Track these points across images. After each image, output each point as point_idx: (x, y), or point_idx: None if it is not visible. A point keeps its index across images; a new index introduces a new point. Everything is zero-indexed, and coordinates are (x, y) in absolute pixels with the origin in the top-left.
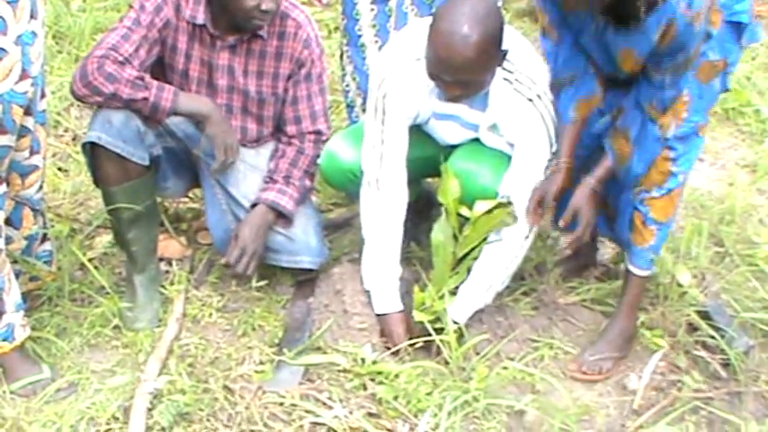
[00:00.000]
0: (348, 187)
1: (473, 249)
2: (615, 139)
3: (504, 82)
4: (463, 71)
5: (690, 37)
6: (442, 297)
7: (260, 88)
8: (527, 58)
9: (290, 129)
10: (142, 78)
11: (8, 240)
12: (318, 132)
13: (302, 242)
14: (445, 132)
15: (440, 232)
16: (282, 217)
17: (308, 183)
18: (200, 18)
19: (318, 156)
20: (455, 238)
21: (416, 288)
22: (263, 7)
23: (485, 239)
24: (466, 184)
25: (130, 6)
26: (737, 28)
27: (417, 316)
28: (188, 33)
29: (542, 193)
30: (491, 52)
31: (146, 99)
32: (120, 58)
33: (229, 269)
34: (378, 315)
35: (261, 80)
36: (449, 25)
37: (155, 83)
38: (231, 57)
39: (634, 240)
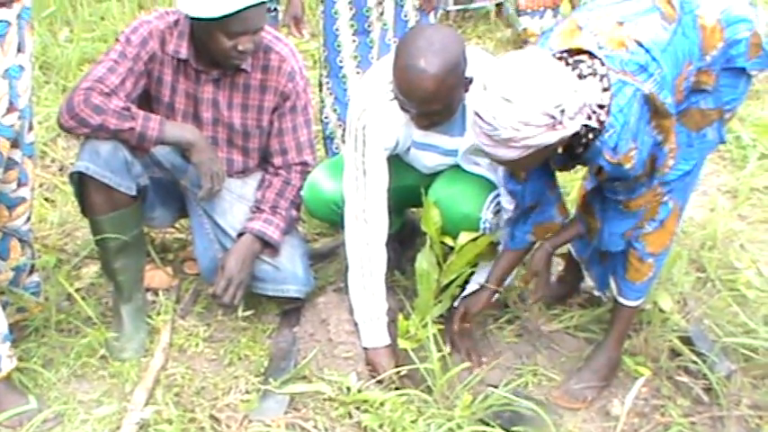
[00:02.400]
0: (331, 218)
1: (457, 278)
2: (583, 211)
3: None
4: (425, 103)
5: (622, 173)
6: (425, 325)
7: (245, 121)
8: None
9: (277, 160)
10: (128, 109)
11: None
12: (304, 163)
13: (288, 271)
14: (427, 160)
15: (424, 261)
16: (269, 246)
17: (294, 213)
18: (184, 53)
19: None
20: (439, 266)
21: (401, 316)
22: (240, 48)
23: (469, 267)
24: (448, 212)
25: (117, 39)
26: (737, 72)
27: (402, 344)
28: (173, 67)
29: (465, 309)
30: (450, 82)
31: (132, 129)
32: (107, 90)
33: (216, 299)
34: (364, 348)
35: (246, 113)
36: (406, 60)
37: (141, 113)
38: (215, 90)
39: (630, 277)
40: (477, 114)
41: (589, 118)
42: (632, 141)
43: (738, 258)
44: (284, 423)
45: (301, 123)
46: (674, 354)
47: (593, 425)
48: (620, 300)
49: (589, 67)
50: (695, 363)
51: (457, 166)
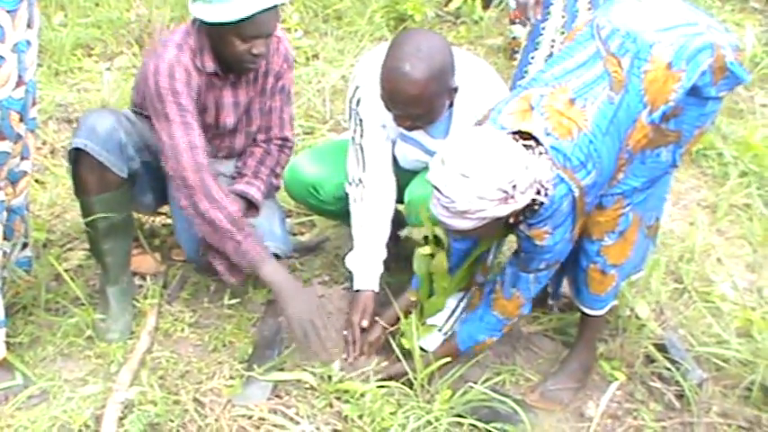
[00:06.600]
0: (308, 200)
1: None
2: None
3: (471, 116)
4: (406, 105)
5: (534, 248)
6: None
7: (255, 109)
8: (495, 95)
9: (260, 136)
10: (239, 219)
11: None
12: (285, 138)
13: (266, 229)
14: (409, 154)
15: (421, 265)
16: (251, 208)
17: (274, 180)
18: (211, 66)
19: (284, 159)
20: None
21: (402, 316)
22: (254, 51)
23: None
24: (419, 211)
25: (159, 93)
26: (702, 100)
27: (407, 344)
28: (205, 84)
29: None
30: (433, 89)
31: (238, 243)
32: (206, 162)
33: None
34: (355, 291)
35: (257, 99)
36: (393, 62)
37: (249, 230)
38: (234, 92)
39: (594, 290)
40: (435, 188)
41: (538, 192)
42: (548, 226)
43: (715, 271)
44: (267, 409)
45: (286, 101)
46: (649, 360)
47: (568, 425)
48: (585, 310)
49: (540, 153)
50: (669, 369)
51: None
